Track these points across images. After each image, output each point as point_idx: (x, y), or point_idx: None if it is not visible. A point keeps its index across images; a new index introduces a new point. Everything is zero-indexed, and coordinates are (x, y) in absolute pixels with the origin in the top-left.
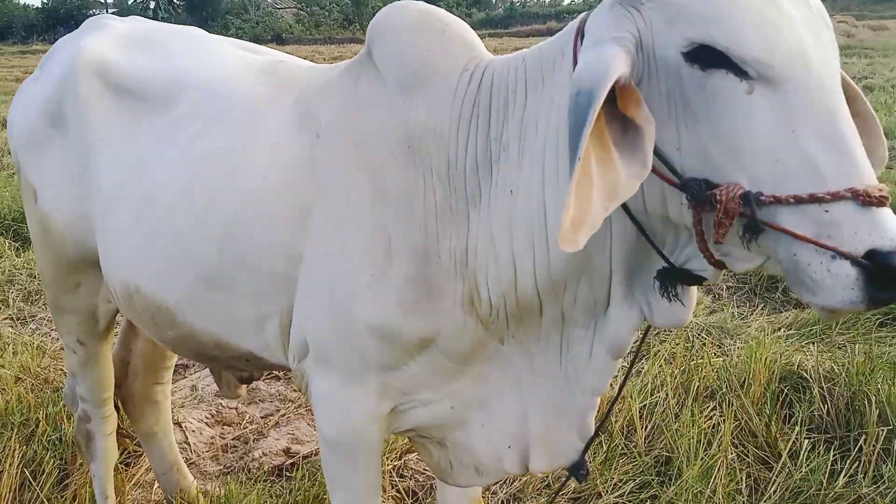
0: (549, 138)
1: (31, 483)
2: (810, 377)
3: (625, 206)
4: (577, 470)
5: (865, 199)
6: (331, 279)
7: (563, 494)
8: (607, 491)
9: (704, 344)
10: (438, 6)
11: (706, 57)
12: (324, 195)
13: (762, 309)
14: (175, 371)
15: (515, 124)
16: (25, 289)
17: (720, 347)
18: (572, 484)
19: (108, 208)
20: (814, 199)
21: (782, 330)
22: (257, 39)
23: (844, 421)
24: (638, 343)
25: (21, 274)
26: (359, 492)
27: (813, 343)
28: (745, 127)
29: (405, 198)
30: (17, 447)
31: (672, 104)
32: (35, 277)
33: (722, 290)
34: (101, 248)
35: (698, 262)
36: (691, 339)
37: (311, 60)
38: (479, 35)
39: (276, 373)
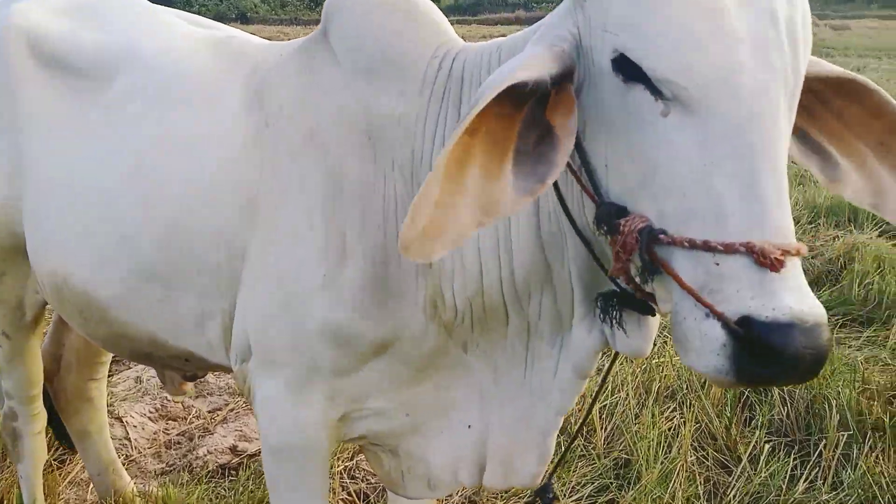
0: None
1: None
2: None
3: (571, 221)
4: (545, 493)
5: (759, 259)
6: (280, 276)
7: (520, 497)
8: (565, 494)
9: (666, 342)
10: None
11: (627, 68)
12: (273, 185)
13: None
14: (118, 361)
15: None
16: None
17: None
18: (528, 490)
19: (39, 192)
20: (707, 247)
21: None
22: (221, 18)
23: (804, 424)
24: (607, 367)
25: None
26: (308, 499)
27: None
28: (658, 153)
29: (363, 191)
30: None
31: (606, 115)
32: None
33: None
34: (28, 233)
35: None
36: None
37: (276, 41)
38: None
39: None
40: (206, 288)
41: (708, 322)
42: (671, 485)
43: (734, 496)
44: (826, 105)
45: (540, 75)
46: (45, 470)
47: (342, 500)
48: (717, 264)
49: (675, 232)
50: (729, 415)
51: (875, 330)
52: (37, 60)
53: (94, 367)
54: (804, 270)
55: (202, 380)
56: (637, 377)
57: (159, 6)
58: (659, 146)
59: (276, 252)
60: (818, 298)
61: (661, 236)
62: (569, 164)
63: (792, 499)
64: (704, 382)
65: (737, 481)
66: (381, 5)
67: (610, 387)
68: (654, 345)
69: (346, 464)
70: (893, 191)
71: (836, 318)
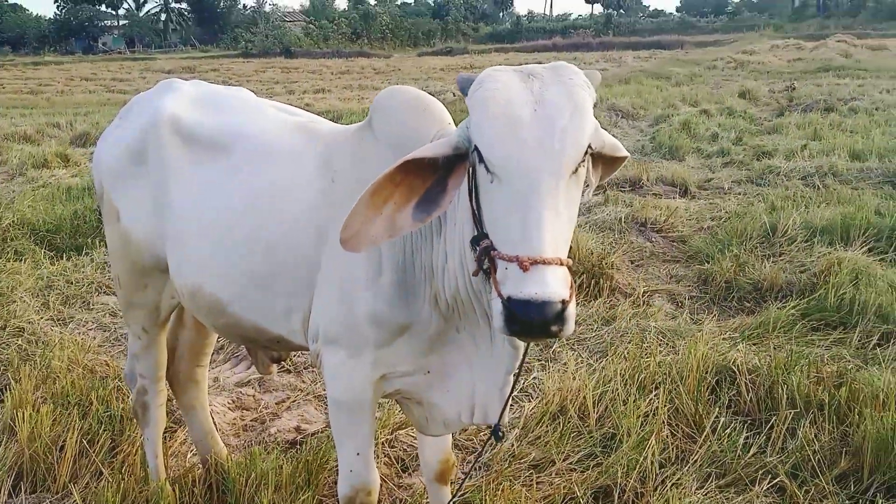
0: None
1: (87, 451)
2: (737, 370)
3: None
4: (496, 431)
5: (521, 264)
6: (339, 283)
7: (524, 461)
8: (561, 459)
9: (659, 344)
10: (446, 20)
11: (478, 153)
12: (336, 221)
13: (716, 316)
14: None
15: None
16: (63, 293)
17: (672, 347)
18: (532, 454)
19: (180, 229)
20: (501, 258)
21: (728, 333)
22: (266, 53)
23: (764, 406)
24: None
25: (59, 280)
26: (361, 440)
27: (754, 344)
28: (489, 204)
29: None
30: (76, 422)
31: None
32: (71, 283)
33: (684, 298)
34: (171, 258)
35: None
36: (647, 339)
37: (319, 73)
38: (485, 49)
39: (287, 366)
40: (292, 290)
41: (496, 301)
42: (646, 450)
43: (696, 460)
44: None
45: (433, 155)
46: None
47: (384, 463)
48: (506, 268)
49: (498, 250)
50: (697, 397)
51: (844, 332)
52: (179, 138)
53: (200, 357)
54: (791, 283)
55: (269, 378)
56: (627, 371)
57: (259, 98)
58: (489, 200)
59: (336, 265)
60: (796, 307)
61: (492, 252)
62: (473, 209)
63: (742, 462)
64: (682, 374)
65: (700, 448)
66: (405, 106)
67: (601, 377)
68: (646, 344)
69: (388, 437)
70: None
71: (812, 322)
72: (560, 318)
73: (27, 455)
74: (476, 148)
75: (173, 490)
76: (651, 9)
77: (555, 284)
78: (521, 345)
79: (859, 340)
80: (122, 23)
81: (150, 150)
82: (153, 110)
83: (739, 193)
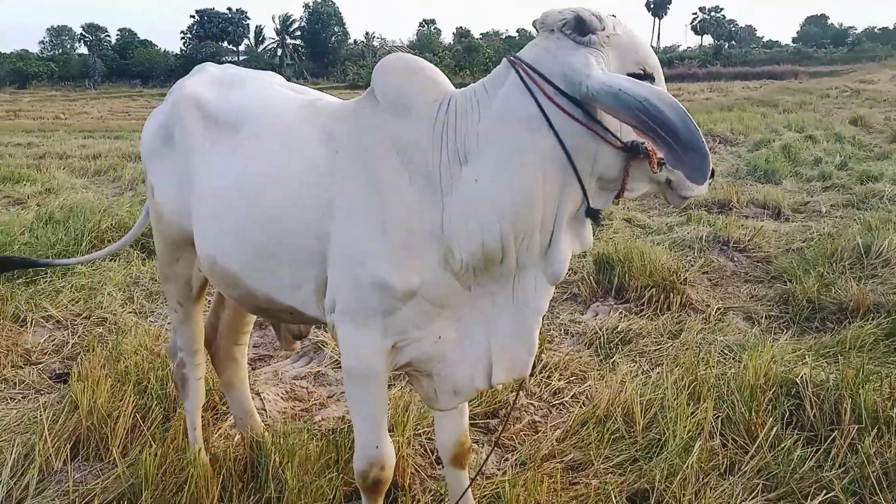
0: (505, 142)
1: (140, 425)
2: (801, 384)
3: (576, 173)
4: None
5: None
6: (346, 250)
7: (562, 461)
8: (599, 461)
9: (723, 357)
10: None
11: (638, 76)
12: (341, 189)
13: (794, 334)
14: (262, 360)
15: (473, 135)
16: (148, 289)
17: (738, 361)
18: (571, 454)
19: (198, 202)
20: None
21: (801, 350)
22: None
23: (827, 422)
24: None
25: (145, 277)
26: (374, 412)
27: (827, 362)
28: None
29: (396, 188)
30: (132, 398)
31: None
32: (156, 281)
33: (761, 317)
34: (194, 230)
35: (601, 201)
36: (712, 352)
37: None
38: None
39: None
40: (298, 262)
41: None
42: (691, 456)
43: (745, 471)
44: None
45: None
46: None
47: (419, 454)
48: None
49: None
50: (755, 407)
51: None
52: (199, 116)
53: (239, 336)
54: (879, 304)
55: (323, 372)
56: (680, 380)
57: (279, 77)
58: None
59: (342, 233)
60: (880, 326)
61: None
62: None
63: (797, 475)
64: (740, 384)
65: (751, 459)
66: (403, 71)
67: (654, 384)
68: (699, 353)
69: (426, 428)
70: None
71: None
72: None
73: (85, 426)
74: (636, 73)
75: (210, 461)
76: (765, 39)
77: None
78: (563, 274)
79: None
80: (241, 58)
81: (176, 129)
82: (178, 91)
83: (837, 217)
